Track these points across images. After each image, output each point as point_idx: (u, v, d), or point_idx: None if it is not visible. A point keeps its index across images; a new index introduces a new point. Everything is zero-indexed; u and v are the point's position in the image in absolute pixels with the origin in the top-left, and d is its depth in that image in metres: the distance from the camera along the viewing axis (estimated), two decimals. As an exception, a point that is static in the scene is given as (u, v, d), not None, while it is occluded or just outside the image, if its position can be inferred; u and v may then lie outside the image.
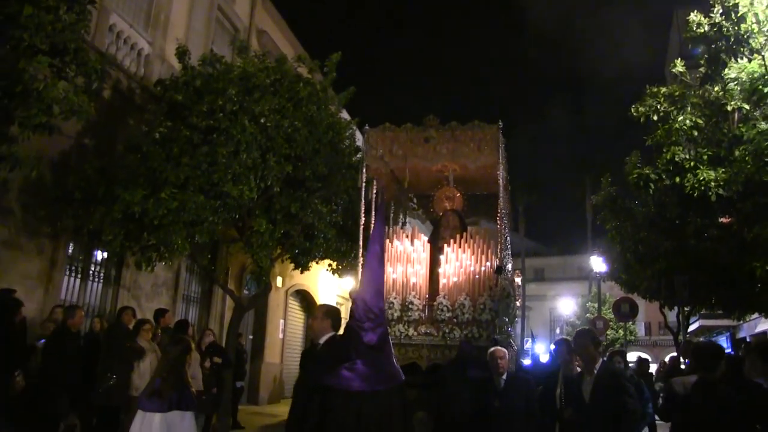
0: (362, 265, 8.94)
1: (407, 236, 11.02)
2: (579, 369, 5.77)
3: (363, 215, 10.35)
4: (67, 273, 9.83)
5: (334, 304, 17.62)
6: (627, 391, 5.05)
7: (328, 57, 11.69)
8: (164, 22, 12.34)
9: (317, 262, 12.43)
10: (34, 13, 6.24)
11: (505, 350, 7.19)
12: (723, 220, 10.10)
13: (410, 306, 9.98)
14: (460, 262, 10.30)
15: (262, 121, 9.46)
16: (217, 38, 14.54)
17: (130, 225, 8.59)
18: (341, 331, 4.80)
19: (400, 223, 12.99)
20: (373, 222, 10.11)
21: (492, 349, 7.16)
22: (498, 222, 10.53)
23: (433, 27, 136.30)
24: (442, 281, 10.26)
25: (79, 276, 10.15)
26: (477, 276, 10.11)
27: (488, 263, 10.20)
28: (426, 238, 11.37)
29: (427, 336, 9.85)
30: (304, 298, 18.97)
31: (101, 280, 10.65)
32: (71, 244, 9.89)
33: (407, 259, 10.61)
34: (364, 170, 10.61)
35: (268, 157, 9.49)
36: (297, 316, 18.69)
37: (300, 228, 10.58)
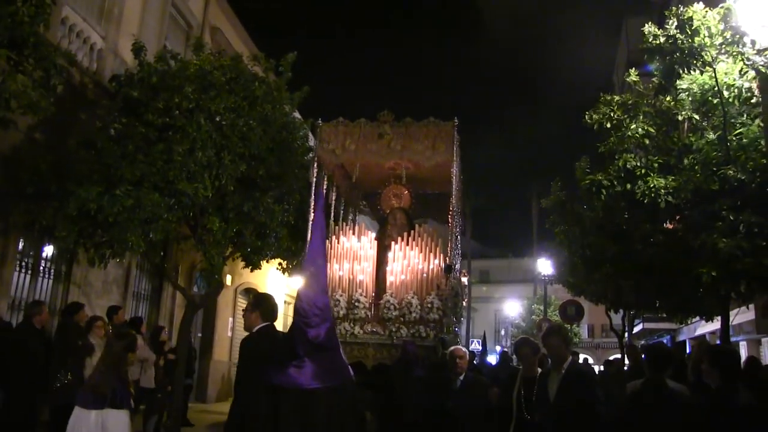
0: (304, 260, 8.97)
1: (354, 233, 11.02)
2: (540, 370, 5.76)
3: (312, 212, 10.36)
4: (17, 269, 9.69)
5: (282, 302, 17.65)
6: (595, 394, 5.02)
7: (284, 57, 11.69)
8: (117, 17, 12.19)
9: (268, 261, 12.44)
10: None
11: (465, 350, 7.15)
12: (668, 225, 10.28)
13: (356, 304, 9.97)
14: (407, 260, 10.31)
15: (217, 119, 9.43)
16: (170, 34, 14.42)
17: (84, 222, 8.49)
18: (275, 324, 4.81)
19: (350, 220, 13.03)
20: (312, 213, 10.14)
21: (452, 348, 7.14)
22: (449, 220, 10.67)
23: (391, 29, 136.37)
24: (390, 279, 10.27)
25: (30, 272, 10.01)
26: (425, 274, 10.14)
27: (436, 261, 10.25)
28: (373, 235, 11.36)
29: (373, 334, 9.87)
30: (253, 296, 18.86)
31: (51, 277, 10.52)
32: (21, 240, 9.75)
33: (354, 256, 10.58)
34: (315, 166, 10.63)
35: (223, 155, 9.47)
36: (246, 314, 18.58)
37: (252, 227, 10.58)
